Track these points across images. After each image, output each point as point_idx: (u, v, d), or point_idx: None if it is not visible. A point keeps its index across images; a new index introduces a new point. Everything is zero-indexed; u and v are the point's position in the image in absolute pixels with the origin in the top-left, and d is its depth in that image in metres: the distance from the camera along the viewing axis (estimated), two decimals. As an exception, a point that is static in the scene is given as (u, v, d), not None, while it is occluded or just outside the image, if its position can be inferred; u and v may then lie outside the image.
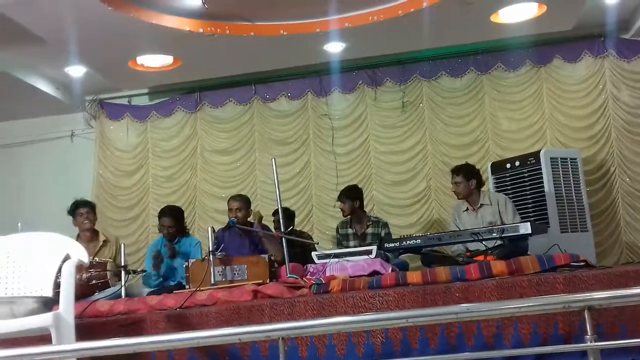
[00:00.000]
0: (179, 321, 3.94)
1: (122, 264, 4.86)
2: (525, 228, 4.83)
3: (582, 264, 4.26)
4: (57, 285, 3.64)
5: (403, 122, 7.76)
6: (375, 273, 4.73)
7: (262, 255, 5.16)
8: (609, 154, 7.27)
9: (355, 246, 5.93)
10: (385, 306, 3.76)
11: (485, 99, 7.64)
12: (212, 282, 4.68)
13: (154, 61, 7.20)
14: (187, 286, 4.85)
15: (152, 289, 5.43)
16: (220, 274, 4.78)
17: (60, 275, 3.61)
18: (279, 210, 5.16)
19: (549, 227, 6.10)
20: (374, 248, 5.14)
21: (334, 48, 7.11)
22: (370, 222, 6.22)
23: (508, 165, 6.82)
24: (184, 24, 6.26)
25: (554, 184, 6.48)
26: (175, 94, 8.23)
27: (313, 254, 5.29)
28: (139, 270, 5.59)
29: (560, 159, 6.62)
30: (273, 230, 5.96)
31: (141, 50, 6.91)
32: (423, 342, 3.60)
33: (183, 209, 6.32)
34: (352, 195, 6.25)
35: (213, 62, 7.25)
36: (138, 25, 6.02)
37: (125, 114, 8.25)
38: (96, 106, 8.29)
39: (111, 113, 8.28)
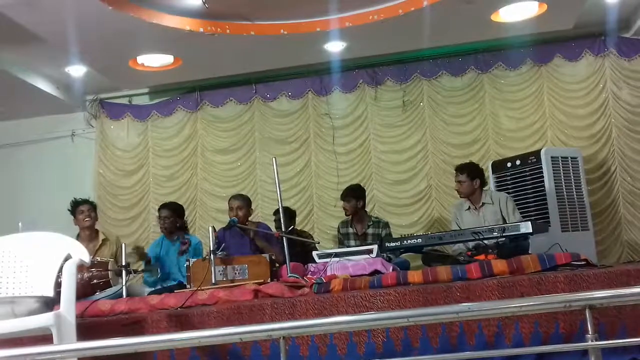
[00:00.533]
0: (180, 321, 3.94)
1: (124, 264, 4.86)
2: (526, 227, 4.84)
3: (583, 263, 4.26)
4: (58, 285, 3.64)
5: (403, 121, 7.76)
6: (376, 272, 4.73)
7: (263, 254, 5.15)
8: (610, 153, 7.28)
9: (355, 246, 5.93)
10: (386, 305, 3.76)
11: (486, 98, 7.64)
12: (213, 281, 4.67)
13: (155, 61, 7.19)
14: (188, 286, 4.85)
15: (154, 288, 5.43)
16: (221, 274, 4.77)
17: (61, 274, 3.61)
18: (280, 209, 5.16)
19: (549, 226, 6.10)
20: (374, 247, 5.13)
21: (335, 47, 7.11)
22: (371, 223, 6.22)
23: (509, 164, 6.82)
24: (185, 24, 6.26)
25: (555, 182, 6.47)
26: (176, 93, 8.23)
27: (314, 253, 5.29)
28: (140, 269, 5.61)
29: (561, 157, 6.61)
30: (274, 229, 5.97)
31: (141, 49, 6.91)
32: (424, 342, 3.61)
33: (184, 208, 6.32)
34: (357, 194, 6.25)
35: (213, 61, 7.25)
36: (138, 24, 6.02)
37: (125, 113, 8.26)
38: (97, 106, 8.30)
39: (112, 112, 8.29)
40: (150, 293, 5.05)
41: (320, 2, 6.16)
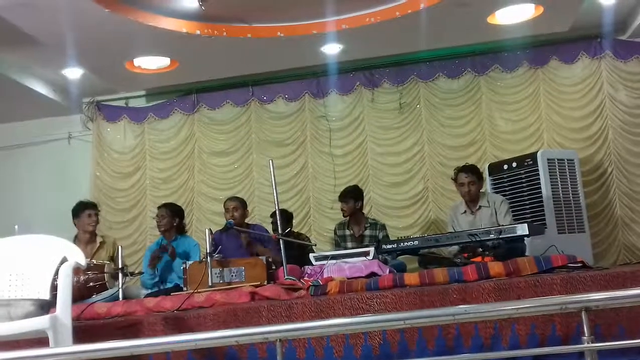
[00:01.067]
0: (177, 323, 3.93)
1: (120, 266, 4.85)
2: (523, 229, 4.84)
3: (579, 265, 4.27)
4: (54, 288, 3.63)
5: (400, 123, 7.77)
6: (372, 274, 4.73)
7: (259, 257, 5.15)
8: (606, 155, 7.28)
9: (352, 248, 5.92)
10: (382, 308, 3.76)
11: (483, 100, 7.65)
12: (210, 284, 4.67)
13: (151, 63, 7.19)
14: (184, 288, 4.84)
15: (150, 291, 5.43)
16: (217, 276, 4.77)
17: (57, 277, 3.60)
18: (277, 211, 5.16)
19: (546, 228, 6.11)
20: (371, 249, 5.13)
21: (331, 50, 7.11)
22: (368, 225, 6.22)
23: (505, 167, 6.83)
24: (181, 26, 6.26)
25: (551, 185, 6.48)
26: (173, 95, 8.22)
27: (311, 255, 5.29)
28: (136, 272, 5.60)
29: (558, 160, 6.62)
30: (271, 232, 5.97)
31: (138, 52, 6.90)
32: (421, 344, 3.61)
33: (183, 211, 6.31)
34: (355, 195, 6.25)
35: (210, 63, 7.24)
36: (135, 27, 6.02)
37: (122, 115, 8.25)
38: (93, 108, 8.29)
39: (108, 115, 8.28)
40: (147, 296, 5.05)
41: (317, 5, 6.16)
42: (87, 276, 4.96)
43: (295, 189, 7.83)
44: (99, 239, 5.89)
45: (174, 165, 8.11)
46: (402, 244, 5.27)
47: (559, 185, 6.54)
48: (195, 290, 4.44)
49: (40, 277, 3.72)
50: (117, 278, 4.91)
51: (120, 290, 4.75)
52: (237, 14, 6.35)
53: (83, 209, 5.84)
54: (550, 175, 6.50)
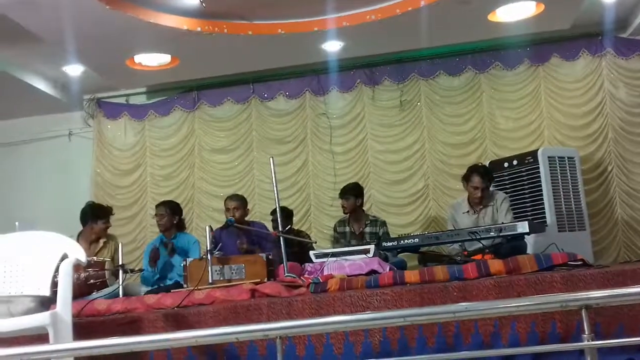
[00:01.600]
0: (177, 320, 3.94)
1: (120, 263, 4.85)
2: (523, 227, 4.84)
3: (579, 263, 4.27)
4: (54, 285, 3.63)
5: (401, 121, 7.76)
6: (372, 272, 4.73)
7: (260, 254, 5.15)
8: (607, 153, 7.28)
9: (353, 245, 5.92)
10: (382, 305, 3.76)
11: (483, 97, 7.65)
12: (210, 281, 4.68)
13: (152, 60, 7.19)
14: (185, 285, 4.85)
15: (150, 288, 5.43)
16: (218, 273, 4.77)
17: (57, 274, 3.60)
18: (277, 209, 5.16)
19: (546, 226, 6.11)
20: (371, 247, 5.13)
21: (332, 47, 7.11)
22: (369, 221, 6.22)
23: (506, 164, 6.83)
24: (182, 23, 6.26)
25: (552, 182, 6.48)
26: (173, 92, 8.22)
27: (311, 252, 5.29)
28: (136, 269, 5.60)
29: (558, 157, 6.62)
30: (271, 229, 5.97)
31: (139, 49, 6.90)
32: (421, 341, 3.61)
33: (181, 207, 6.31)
34: (356, 192, 6.25)
35: (211, 61, 7.24)
36: (136, 24, 6.01)
37: (123, 112, 8.25)
38: (94, 105, 8.29)
39: (109, 112, 8.28)
40: (147, 293, 5.05)
41: (317, 2, 6.16)
42: (87, 273, 4.95)
43: (295, 186, 7.83)
44: (102, 239, 5.88)
45: (175, 162, 8.11)
46: (402, 241, 5.26)
47: (560, 183, 6.54)
48: (196, 288, 4.44)
49: (40, 274, 3.71)
50: (117, 275, 4.91)
51: (121, 287, 4.75)
52: (238, 11, 6.35)
53: (108, 214, 5.87)
54: (551, 173, 6.50)
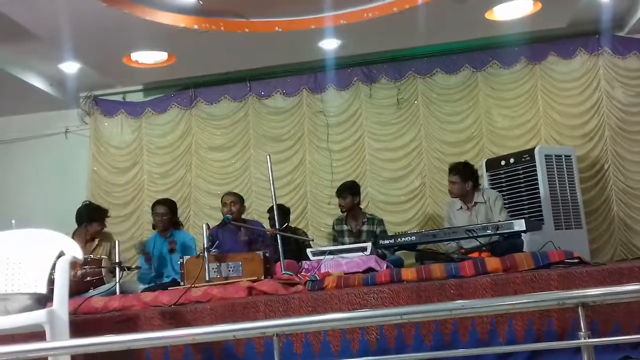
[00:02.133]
0: (174, 318, 3.93)
1: (117, 261, 4.84)
2: (520, 225, 4.84)
3: (576, 261, 4.27)
4: (51, 282, 3.63)
5: (398, 119, 7.76)
6: (370, 270, 4.73)
7: (257, 252, 5.14)
8: (603, 151, 7.30)
9: (350, 243, 5.93)
10: (380, 303, 3.76)
11: (480, 96, 7.65)
12: (207, 278, 4.66)
13: (149, 57, 7.17)
14: (181, 283, 4.84)
15: (147, 286, 5.43)
16: (214, 271, 4.76)
17: (54, 271, 3.59)
18: (274, 207, 5.16)
19: (543, 224, 6.11)
20: (368, 245, 5.14)
21: (329, 45, 7.11)
22: (366, 220, 6.23)
23: (503, 163, 6.83)
24: (179, 21, 6.25)
25: (549, 181, 6.49)
26: (170, 90, 8.21)
27: (308, 250, 5.29)
28: (133, 267, 5.59)
29: (555, 156, 6.63)
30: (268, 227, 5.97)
31: (135, 46, 6.89)
32: (417, 339, 3.61)
33: (177, 205, 6.30)
34: (353, 190, 6.26)
35: (208, 58, 7.23)
36: (132, 21, 6.00)
37: (119, 110, 8.24)
38: (90, 103, 8.28)
39: (105, 110, 8.27)
40: (144, 290, 5.05)
41: (314, 0, 6.15)
42: (84, 270, 4.96)
43: (292, 184, 7.83)
44: (97, 238, 5.87)
45: (172, 160, 8.11)
46: (399, 239, 5.26)
47: (557, 181, 6.55)
48: (193, 285, 4.44)
49: (37, 271, 3.71)
50: (114, 273, 4.91)
51: (117, 284, 4.74)
52: (235, 8, 6.34)
53: (105, 216, 5.91)
54: (547, 172, 6.51)
